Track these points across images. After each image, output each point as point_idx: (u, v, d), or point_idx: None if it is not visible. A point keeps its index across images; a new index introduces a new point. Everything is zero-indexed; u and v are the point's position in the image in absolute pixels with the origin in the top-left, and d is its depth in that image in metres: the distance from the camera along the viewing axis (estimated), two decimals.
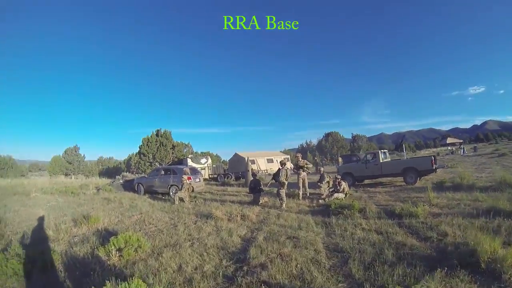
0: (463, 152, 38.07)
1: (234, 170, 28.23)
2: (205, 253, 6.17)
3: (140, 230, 8.63)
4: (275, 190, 13.51)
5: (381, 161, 15.93)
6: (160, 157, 36.00)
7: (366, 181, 17.03)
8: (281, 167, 11.78)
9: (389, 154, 18.37)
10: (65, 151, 53.24)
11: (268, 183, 14.23)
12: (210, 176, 29.16)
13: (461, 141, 47.30)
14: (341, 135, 68.34)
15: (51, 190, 19.68)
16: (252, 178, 13.58)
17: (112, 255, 6.00)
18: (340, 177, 12.87)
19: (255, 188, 12.69)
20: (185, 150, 46.09)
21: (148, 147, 36.21)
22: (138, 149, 37.80)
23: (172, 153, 37.37)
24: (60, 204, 14.35)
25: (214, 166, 31.26)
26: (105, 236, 7.77)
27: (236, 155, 30.52)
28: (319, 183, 13.67)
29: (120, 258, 6.04)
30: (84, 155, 56.31)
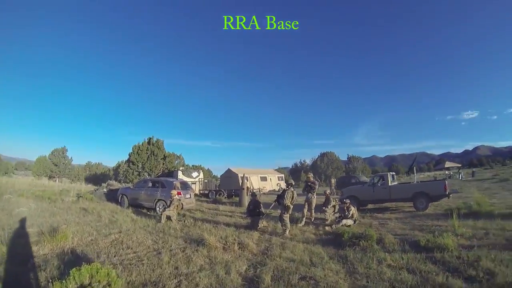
0: (461, 177, 36.82)
1: (227, 187, 26.57)
2: None
3: (115, 256, 7.09)
4: (274, 212, 12.48)
5: (389, 184, 14.66)
6: (150, 167, 34.22)
7: (370, 206, 15.66)
8: (287, 188, 10.31)
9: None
10: (52, 152, 51.25)
11: (271, 205, 12.54)
12: (201, 192, 27.36)
13: (460, 165, 45.74)
14: (337, 156, 66.92)
15: (27, 193, 18.10)
16: (249, 198, 12.14)
17: None
18: (349, 201, 11.55)
19: (254, 210, 11.15)
20: (176, 162, 44.37)
21: (139, 155, 34.43)
22: (128, 156, 36.00)
23: (163, 164, 35.63)
24: (31, 211, 12.75)
25: (206, 181, 29.44)
26: (69, 262, 6.34)
27: (229, 171, 28.90)
28: (324, 207, 12.43)
29: None
30: (71, 158, 54.32)
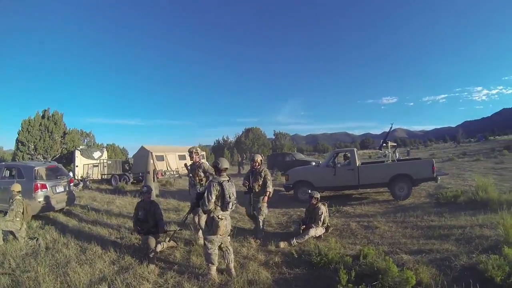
0: (398, 156, 35.26)
1: (140, 169, 20.03)
2: None
3: None
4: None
5: (357, 165, 10.68)
6: (44, 147, 27.44)
7: (325, 193, 11.49)
8: (215, 178, 4.76)
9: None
10: None
11: (185, 216, 6.30)
12: (103, 176, 21.45)
13: (395, 144, 45.30)
14: (263, 132, 62.96)
15: None
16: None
17: None
18: (318, 195, 6.90)
19: (146, 221, 6.03)
20: (85, 140, 37.32)
21: (29, 133, 27.31)
22: (17, 135, 28.58)
23: (62, 142, 29.00)
24: None
25: (109, 162, 23.06)
26: None
27: (142, 149, 22.97)
28: (313, 224, 6.49)
29: None
30: None
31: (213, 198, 4.48)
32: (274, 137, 66.27)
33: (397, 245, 5.65)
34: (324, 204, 6.78)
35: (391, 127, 13.09)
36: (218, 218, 4.54)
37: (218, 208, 4.58)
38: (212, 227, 4.58)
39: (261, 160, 7.10)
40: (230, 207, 4.60)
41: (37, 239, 6.96)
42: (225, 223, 4.61)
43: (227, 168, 4.82)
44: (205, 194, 4.50)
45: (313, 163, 19.99)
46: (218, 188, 4.51)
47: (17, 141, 28.18)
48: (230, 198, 4.54)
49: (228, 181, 4.65)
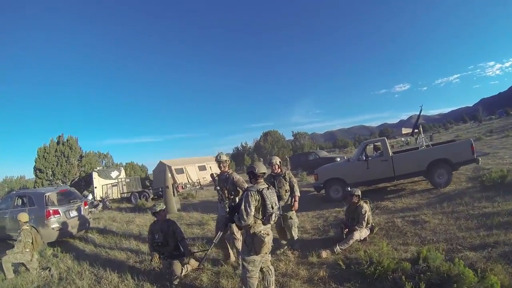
0: (422, 142, 34.12)
1: (159, 185, 20.00)
2: None
3: None
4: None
5: (390, 155, 9.76)
6: (62, 172, 27.29)
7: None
8: (251, 186, 3.90)
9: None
10: None
11: (217, 237, 4.84)
12: (122, 195, 20.82)
13: (416, 130, 44.29)
14: (281, 134, 61.85)
15: None
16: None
17: None
18: (359, 193, 6.07)
19: (165, 244, 5.26)
20: (103, 162, 37.00)
21: (46, 160, 27.33)
22: (34, 163, 28.49)
23: (79, 166, 28.84)
24: None
25: (128, 180, 22.44)
26: None
27: (160, 164, 22.40)
28: (357, 226, 5.77)
29: None
30: None
31: (253, 210, 3.60)
32: (293, 138, 65.29)
33: (455, 241, 4.89)
34: (366, 202, 5.99)
35: (420, 111, 11.95)
36: (263, 234, 3.61)
37: (259, 221, 3.69)
38: (254, 245, 3.64)
39: (280, 162, 6.21)
40: (273, 219, 3.74)
41: (50, 269, 6.47)
42: (269, 239, 3.69)
43: (264, 173, 3.96)
44: (242, 206, 3.62)
45: (338, 159, 19.27)
46: (258, 198, 3.64)
47: (35, 168, 28.15)
48: (272, 208, 3.68)
49: (267, 188, 3.78)
